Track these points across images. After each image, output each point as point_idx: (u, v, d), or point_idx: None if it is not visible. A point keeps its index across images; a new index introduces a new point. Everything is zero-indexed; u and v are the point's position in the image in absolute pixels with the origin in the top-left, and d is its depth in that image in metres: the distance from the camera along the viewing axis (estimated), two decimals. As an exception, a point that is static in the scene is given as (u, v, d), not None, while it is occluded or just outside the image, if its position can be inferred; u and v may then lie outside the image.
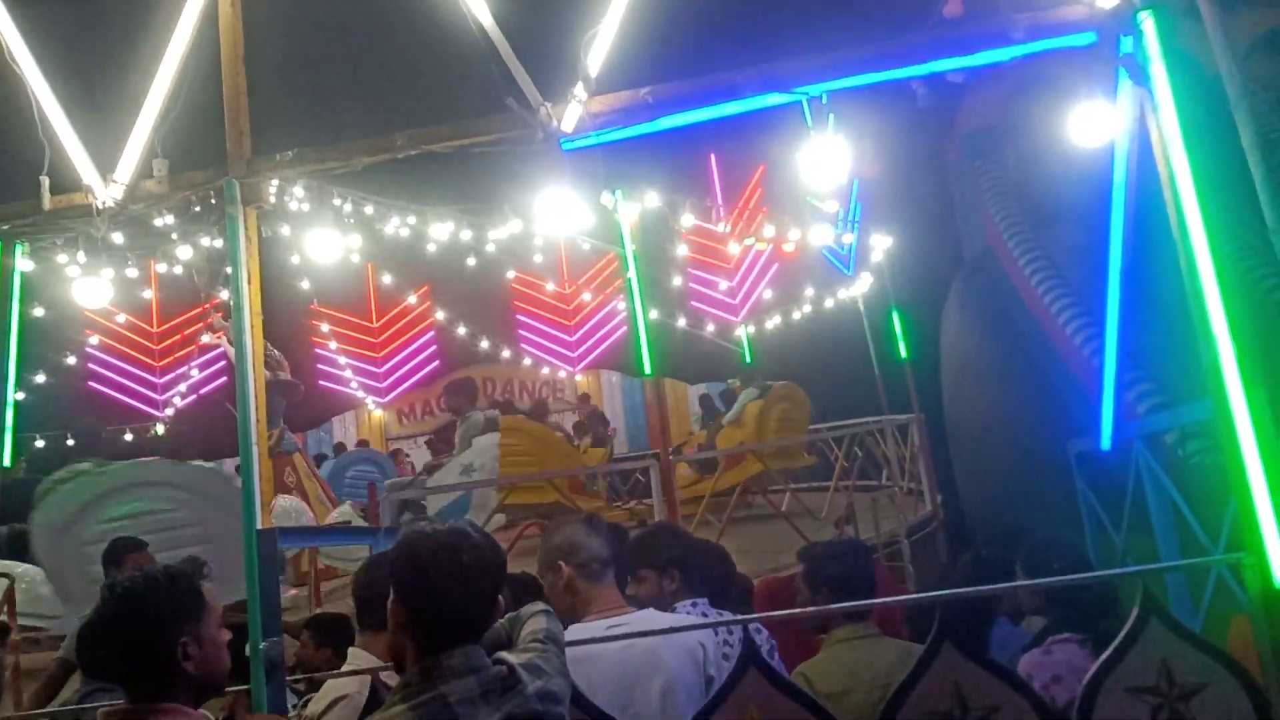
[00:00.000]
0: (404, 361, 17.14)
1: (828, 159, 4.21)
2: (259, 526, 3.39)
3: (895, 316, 11.22)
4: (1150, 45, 3.44)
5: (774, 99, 3.92)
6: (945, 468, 12.06)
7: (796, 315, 13.38)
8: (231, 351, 11.59)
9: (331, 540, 5.56)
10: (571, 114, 3.83)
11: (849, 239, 10.91)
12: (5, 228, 4.10)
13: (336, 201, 5.77)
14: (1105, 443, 5.49)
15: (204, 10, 4.21)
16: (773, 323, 13.77)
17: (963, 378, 12.66)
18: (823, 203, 9.70)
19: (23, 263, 5.66)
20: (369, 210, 7.26)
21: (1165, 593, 4.99)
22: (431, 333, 16.87)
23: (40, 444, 13.16)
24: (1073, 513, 6.29)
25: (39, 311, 8.75)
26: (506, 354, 15.76)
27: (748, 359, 14.71)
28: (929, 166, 14.01)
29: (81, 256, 5.91)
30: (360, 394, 16.84)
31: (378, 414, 17.26)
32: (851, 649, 3.10)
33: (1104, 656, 2.82)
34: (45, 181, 4.03)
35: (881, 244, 10.71)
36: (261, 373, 3.76)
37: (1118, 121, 3.88)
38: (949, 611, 2.88)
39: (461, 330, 15.06)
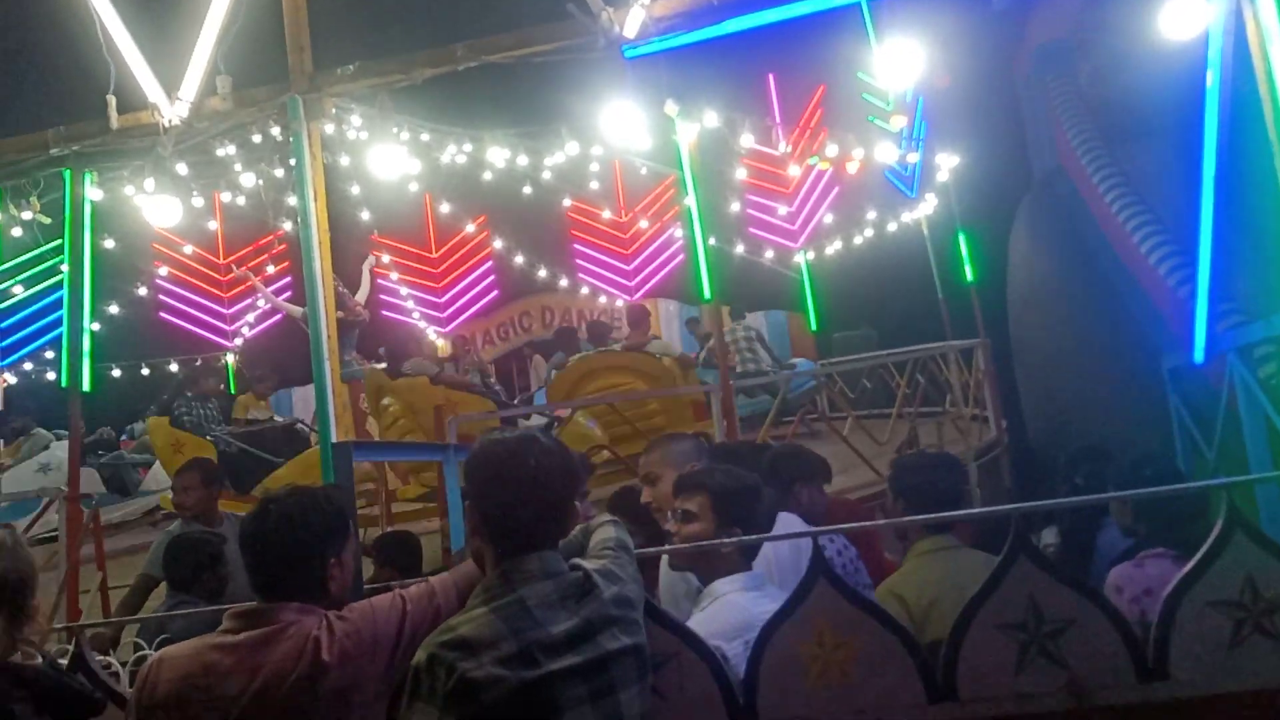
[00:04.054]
0: (464, 291, 17.26)
1: (898, 63, 4.05)
2: (334, 440, 3.45)
3: (961, 238, 10.93)
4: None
5: None
6: (1011, 393, 11.86)
7: (857, 240, 13.12)
8: (265, 296, 11.83)
9: (403, 455, 5.67)
10: (634, 18, 3.72)
11: (914, 158, 10.57)
12: (75, 149, 4.16)
13: (394, 129, 5.76)
14: (1199, 355, 5.32)
15: (262, -77, 4.17)
16: (833, 248, 13.54)
17: (1031, 300, 12.35)
18: (888, 119, 9.40)
19: (92, 192, 5.78)
20: (425, 138, 7.25)
21: (1255, 508, 4.85)
22: (490, 262, 16.92)
23: (117, 374, 13.61)
24: (1157, 431, 6.16)
25: (109, 243, 8.96)
26: (564, 283, 15.78)
27: (806, 286, 14.55)
28: (998, 80, 13.47)
29: (149, 184, 6.00)
30: (422, 324, 17.04)
31: (440, 344, 17.48)
32: (936, 560, 3.09)
33: (1186, 569, 2.75)
34: (112, 100, 4.07)
35: (947, 163, 10.38)
36: (331, 291, 3.80)
37: (1210, 16, 3.66)
38: (1023, 525, 2.83)
39: (519, 259, 15.10)
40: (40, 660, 2.25)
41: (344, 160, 8.32)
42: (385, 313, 15.84)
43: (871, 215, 12.42)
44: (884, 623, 2.75)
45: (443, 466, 3.78)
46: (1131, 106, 10.92)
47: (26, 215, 6.56)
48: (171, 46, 4.15)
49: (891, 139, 9.75)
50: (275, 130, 5.88)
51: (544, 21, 3.88)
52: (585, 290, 16.31)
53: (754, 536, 2.87)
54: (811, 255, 14.23)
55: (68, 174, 5.53)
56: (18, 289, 13.55)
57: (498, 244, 15.38)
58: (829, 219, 13.59)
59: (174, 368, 14.04)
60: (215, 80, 3.99)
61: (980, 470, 8.27)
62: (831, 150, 7.49)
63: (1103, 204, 10.86)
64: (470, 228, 15.49)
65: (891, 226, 12.33)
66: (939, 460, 3.53)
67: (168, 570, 4.45)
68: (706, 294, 6.50)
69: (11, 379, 13.63)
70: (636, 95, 3.88)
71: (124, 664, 3.53)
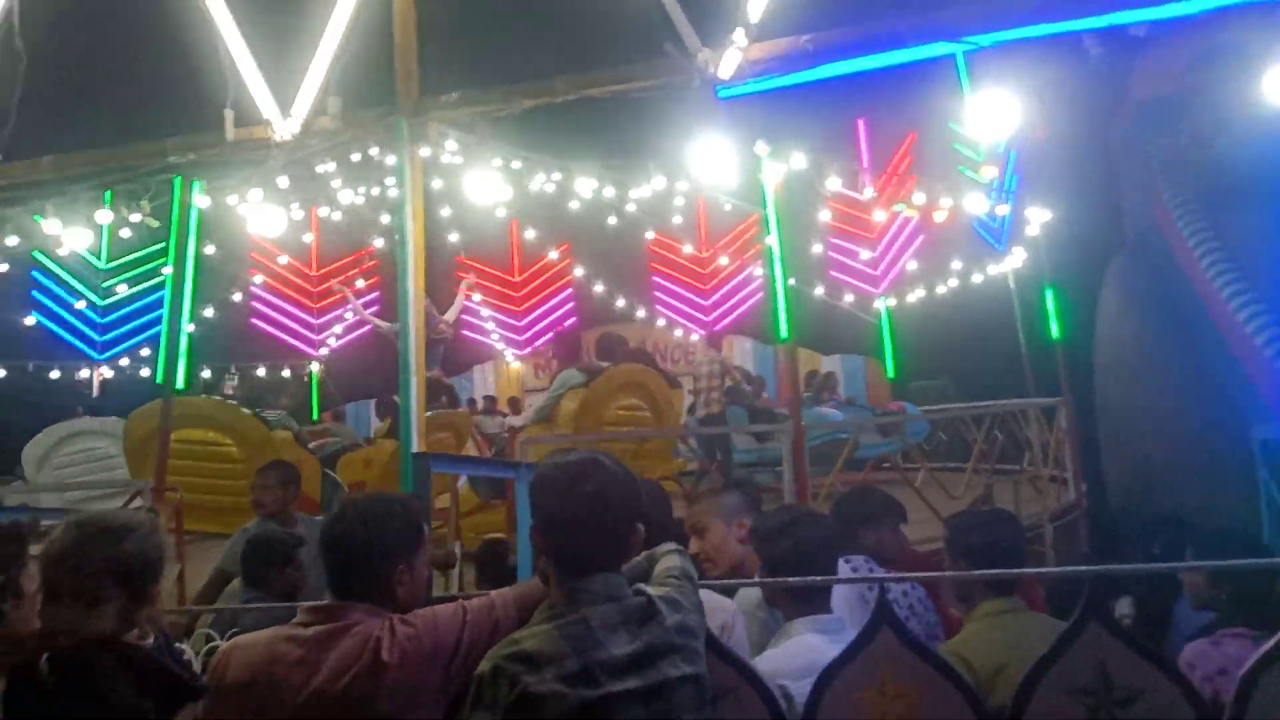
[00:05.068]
0: (543, 316, 17.53)
1: (992, 114, 4.03)
2: (415, 450, 3.55)
3: (1049, 294, 10.71)
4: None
5: (940, 48, 3.77)
6: (1092, 455, 11.51)
7: (940, 289, 12.96)
8: (355, 308, 12.16)
9: (477, 469, 5.80)
10: (730, 60, 3.79)
11: (1003, 210, 10.43)
12: (192, 158, 4.39)
13: (488, 156, 5.93)
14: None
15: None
16: (915, 296, 13.40)
17: (1118, 361, 11.98)
18: (978, 170, 9.30)
19: (200, 199, 6.07)
20: (516, 165, 7.44)
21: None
22: (570, 289, 17.16)
23: (206, 374, 14.14)
24: (1242, 503, 5.92)
25: (210, 249, 9.38)
26: (641, 313, 15.90)
27: (885, 332, 14.40)
28: (1094, 135, 13.21)
29: (254, 194, 6.28)
30: (500, 345, 17.33)
31: (515, 365, 17.73)
32: (1001, 623, 3.00)
33: (1264, 648, 2.65)
34: (230, 114, 4.29)
35: (1038, 217, 10.20)
36: (422, 308, 3.93)
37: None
38: (1097, 589, 2.76)
39: (599, 288, 15.29)
40: (151, 642, 2.34)
41: (436, 183, 8.57)
42: (465, 332, 16.15)
43: (957, 265, 12.26)
44: (947, 676, 2.70)
45: (514, 484, 3.87)
46: (1231, 170, 10.61)
47: (135, 218, 6.88)
48: (283, 66, 4.37)
49: (981, 190, 9.66)
50: (373, 151, 6.12)
51: (640, 58, 3.98)
52: (661, 322, 16.40)
53: (818, 578, 2.86)
54: (892, 302, 14.09)
55: (178, 181, 5.83)
56: (121, 287, 14.27)
57: (579, 272, 15.61)
58: (912, 266, 13.46)
59: (261, 372, 14.53)
60: (326, 100, 4.19)
61: (1056, 533, 8.04)
62: (919, 198, 7.46)
63: (1198, 268, 10.54)
64: (554, 254, 15.75)
65: (977, 278, 12.15)
66: (998, 517, 3.42)
67: (243, 566, 4.59)
68: (783, 333, 6.51)
69: (109, 373, 14.29)
70: (726, 134, 3.94)
71: (196, 653, 3.65)
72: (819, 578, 2.87)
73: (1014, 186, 10.52)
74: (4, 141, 4.51)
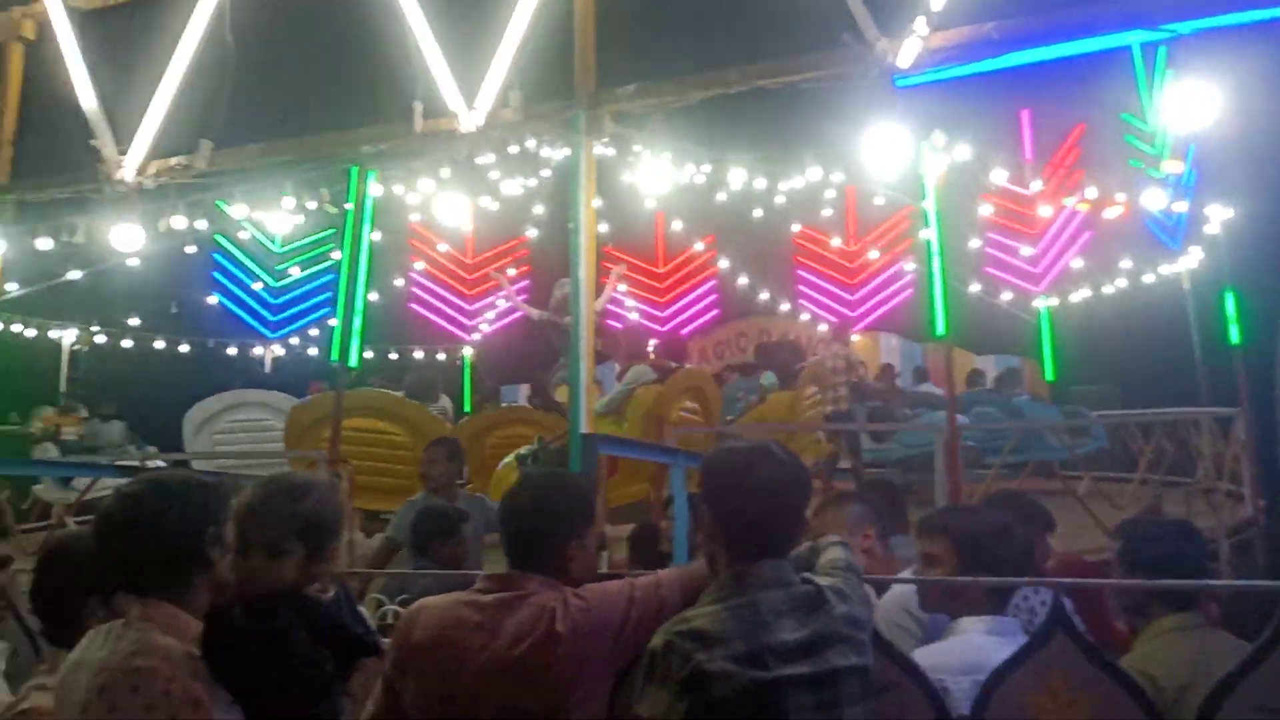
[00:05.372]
0: (686, 307, 17.61)
1: (1180, 106, 3.81)
2: (583, 431, 3.67)
3: (1229, 297, 10.00)
4: None
5: (1134, 36, 3.58)
6: (1272, 470, 10.69)
7: (1107, 289, 12.32)
8: (508, 295, 12.48)
9: (638, 453, 5.92)
10: (909, 49, 3.73)
11: (1181, 207, 9.81)
12: (381, 148, 4.64)
13: (636, 148, 6.01)
14: None
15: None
16: (1079, 295, 12.78)
17: (1307, 371, 11.10)
18: (1156, 165, 8.79)
19: (374, 188, 6.42)
20: (667, 156, 7.51)
21: None
22: (713, 281, 17.17)
23: (369, 355, 14.89)
24: None
25: (376, 235, 9.86)
26: (785, 307, 15.76)
27: (1044, 332, 13.80)
28: (1284, 130, 12.24)
29: (425, 184, 6.59)
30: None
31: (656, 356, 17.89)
32: (1183, 640, 2.85)
33: None
34: (419, 107, 4.52)
35: (1219, 215, 9.54)
36: (593, 296, 4.04)
37: None
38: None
39: (743, 280, 15.24)
40: (330, 596, 2.51)
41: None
42: (609, 321, 16.41)
43: (1126, 264, 11.61)
44: (1126, 687, 2.60)
45: (670, 470, 3.95)
46: None
47: (312, 205, 7.31)
48: (465, 60, 4.56)
49: (1157, 184, 9.11)
50: (530, 143, 6.30)
51: (810, 47, 3.96)
52: (805, 316, 16.21)
53: (971, 579, 2.79)
54: (1054, 301, 13.48)
55: (354, 171, 6.18)
56: (294, 270, 15.21)
57: (723, 264, 15.59)
58: (1077, 264, 12.83)
59: (419, 354, 15.19)
60: (508, 94, 4.35)
61: (1232, 549, 7.54)
62: (1092, 192, 7.11)
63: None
64: (699, 245, 15.79)
65: (1148, 278, 11.49)
66: (1179, 530, 3.24)
67: (412, 535, 4.84)
68: (940, 329, 6.34)
69: (280, 351, 15.25)
70: (900, 124, 3.87)
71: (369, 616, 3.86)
72: (972, 578, 2.80)
73: (1192, 182, 9.88)
74: (217, 130, 4.91)
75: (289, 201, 7.03)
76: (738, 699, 2.01)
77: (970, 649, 2.65)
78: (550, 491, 2.58)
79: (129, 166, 5.31)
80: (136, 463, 7.80)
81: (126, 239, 5.92)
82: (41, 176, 5.93)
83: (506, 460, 7.59)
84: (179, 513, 2.12)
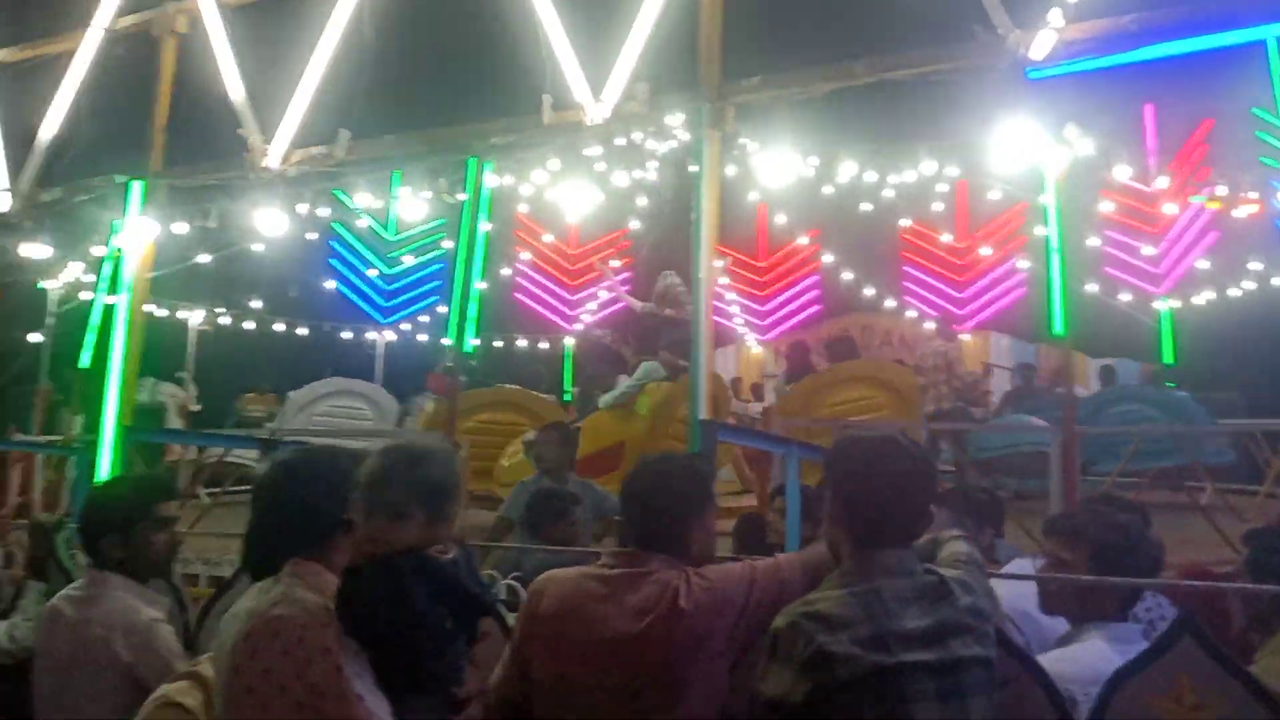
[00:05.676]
0: (787, 302, 17.48)
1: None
2: (702, 417, 3.74)
3: (1369, 302, 9.47)
4: None
5: (1274, 29, 3.45)
6: None
7: (1234, 292, 11.76)
8: (612, 286, 12.55)
9: (755, 442, 5.98)
10: (1044, 41, 3.66)
11: (1319, 206, 9.29)
12: (511, 139, 4.78)
13: (742, 141, 6.01)
14: None
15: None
16: (1202, 298, 12.23)
17: None
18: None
19: (489, 179, 6.60)
20: (785, 148, 7.46)
21: None
22: (816, 276, 17.00)
23: (475, 342, 15.25)
24: None
25: (488, 226, 10.09)
26: (890, 304, 15.49)
27: (1165, 335, 13.24)
28: None
29: (538, 176, 6.73)
30: (743, 329, 17.47)
31: (756, 351, 17.82)
32: (1326, 654, 2.77)
33: None
34: (548, 99, 4.64)
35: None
36: (712, 284, 4.11)
37: None
38: None
39: (847, 276, 15.04)
40: (451, 556, 2.64)
41: (693, 167, 8.75)
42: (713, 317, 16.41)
43: (1256, 266, 11.07)
44: (1259, 697, 2.53)
45: (784, 460, 3.99)
46: None
47: (426, 195, 7.52)
48: (589, 52, 4.66)
49: (1296, 182, 8.65)
50: (636, 135, 6.36)
51: (937, 38, 3.92)
52: (911, 314, 15.91)
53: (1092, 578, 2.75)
54: (1176, 303, 12.93)
55: (472, 162, 6.36)
56: (407, 258, 15.69)
57: (827, 258, 15.41)
58: (1202, 265, 12.28)
59: (522, 342, 15.50)
60: (635, 85, 4.44)
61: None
62: (1222, 190, 6.81)
63: None
64: (803, 240, 15.65)
65: (1278, 280, 10.93)
66: None
67: (527, 514, 5.00)
68: (1059, 329, 6.16)
69: (392, 335, 15.76)
70: (1030, 117, 3.80)
71: (485, 591, 4.00)
72: (1095, 577, 2.76)
73: (1329, 179, 9.35)
74: (355, 121, 5.15)
75: (406, 191, 7.26)
76: (860, 682, 2.06)
77: (1095, 655, 2.62)
78: (672, 472, 2.66)
79: (274, 154, 5.61)
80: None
81: (271, 224, 6.28)
82: (191, 164, 6.31)
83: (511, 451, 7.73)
84: (325, 480, 2.34)
